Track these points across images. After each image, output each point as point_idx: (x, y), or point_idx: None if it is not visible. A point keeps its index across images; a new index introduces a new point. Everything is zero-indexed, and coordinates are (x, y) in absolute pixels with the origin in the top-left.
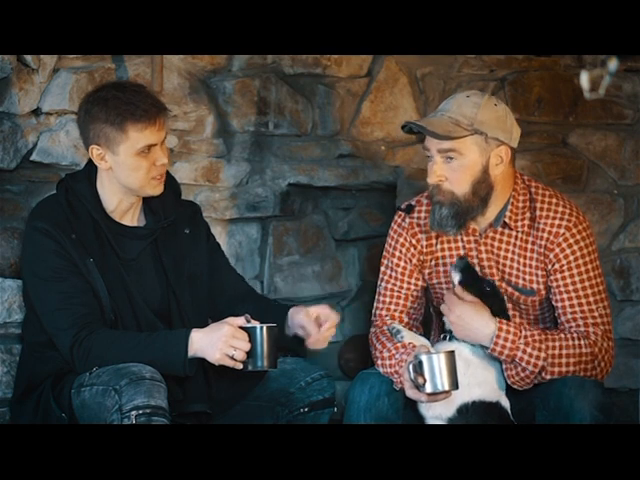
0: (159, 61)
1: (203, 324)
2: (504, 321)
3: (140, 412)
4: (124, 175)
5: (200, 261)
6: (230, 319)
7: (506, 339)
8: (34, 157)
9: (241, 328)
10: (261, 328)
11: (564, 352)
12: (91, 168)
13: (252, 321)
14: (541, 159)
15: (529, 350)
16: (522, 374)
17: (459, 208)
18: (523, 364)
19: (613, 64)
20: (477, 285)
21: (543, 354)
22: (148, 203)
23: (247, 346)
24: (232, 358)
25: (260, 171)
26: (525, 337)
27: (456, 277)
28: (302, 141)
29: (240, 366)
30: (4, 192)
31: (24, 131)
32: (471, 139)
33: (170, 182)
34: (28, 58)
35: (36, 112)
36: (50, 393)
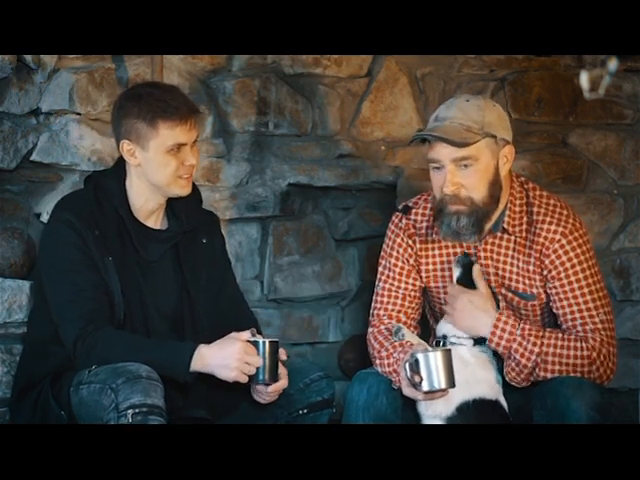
0: (159, 61)
1: (213, 333)
2: (504, 312)
3: (137, 411)
4: (152, 171)
5: (213, 272)
6: (236, 334)
7: (504, 330)
8: (34, 157)
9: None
10: (264, 343)
11: (558, 351)
12: (120, 166)
13: (256, 335)
14: (541, 159)
15: (524, 343)
16: (517, 368)
17: (479, 214)
18: (517, 356)
19: (613, 64)
20: (474, 284)
21: (537, 349)
22: (172, 207)
23: (259, 361)
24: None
25: (260, 171)
26: (522, 329)
27: (456, 272)
28: (302, 141)
29: (246, 379)
30: (4, 192)
31: (24, 131)
32: (484, 143)
33: (193, 189)
34: (28, 58)
35: (36, 112)
36: (49, 391)
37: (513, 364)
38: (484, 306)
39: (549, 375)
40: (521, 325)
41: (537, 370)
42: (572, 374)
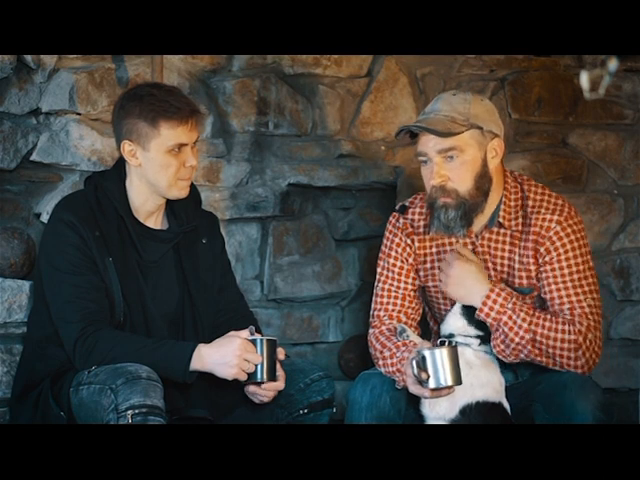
0: (159, 61)
1: (213, 333)
2: (498, 284)
3: (136, 412)
4: (153, 172)
5: (214, 273)
6: (235, 333)
7: (495, 301)
8: (34, 157)
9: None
10: (261, 340)
11: (546, 332)
12: (120, 167)
13: (254, 333)
14: (541, 159)
15: (514, 317)
16: (505, 341)
17: (466, 207)
18: (506, 329)
19: (613, 64)
20: None
21: (526, 325)
22: (171, 207)
23: (259, 359)
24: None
25: (260, 171)
26: (514, 303)
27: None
28: (302, 141)
29: (246, 377)
30: (4, 192)
31: (24, 131)
32: (469, 134)
33: (192, 189)
34: (28, 58)
35: (36, 112)
36: (49, 392)
37: (502, 337)
38: (478, 275)
39: (535, 353)
40: (513, 299)
41: (526, 352)
42: (558, 357)
